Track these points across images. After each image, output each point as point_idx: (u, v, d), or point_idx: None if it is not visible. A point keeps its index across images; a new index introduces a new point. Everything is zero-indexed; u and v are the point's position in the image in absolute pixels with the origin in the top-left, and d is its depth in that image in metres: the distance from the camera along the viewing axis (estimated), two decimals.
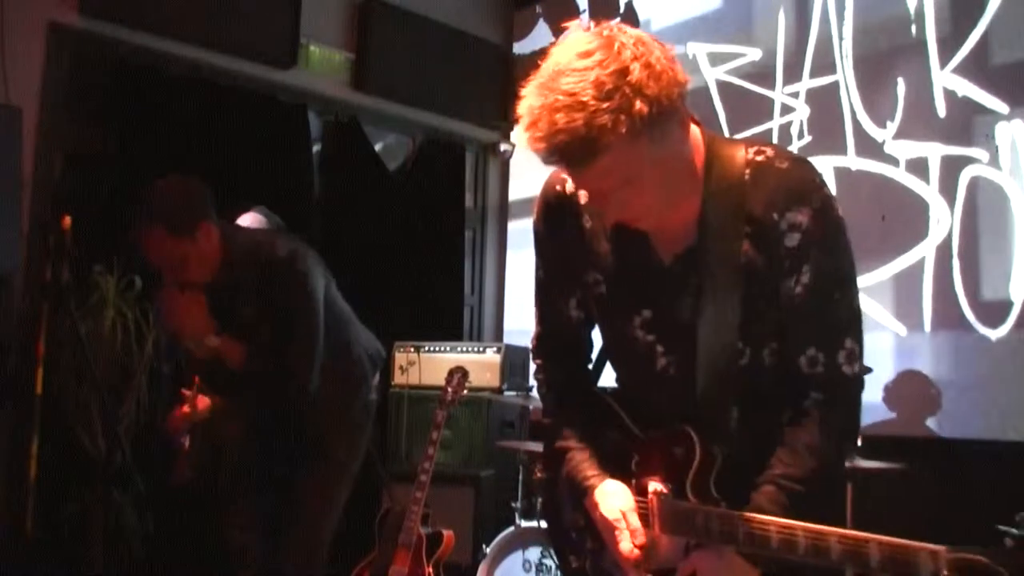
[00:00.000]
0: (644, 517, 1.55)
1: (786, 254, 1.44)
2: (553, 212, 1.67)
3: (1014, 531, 1.17)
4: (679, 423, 1.53)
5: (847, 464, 1.79)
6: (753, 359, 1.53)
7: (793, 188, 1.44)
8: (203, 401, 3.61)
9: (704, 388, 1.50)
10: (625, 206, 1.43)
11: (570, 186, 1.63)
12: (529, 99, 1.34)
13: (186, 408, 3.61)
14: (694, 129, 1.50)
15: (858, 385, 1.50)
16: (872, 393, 3.32)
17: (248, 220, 3.88)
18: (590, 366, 1.81)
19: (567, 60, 1.33)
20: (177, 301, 2.74)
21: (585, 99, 1.27)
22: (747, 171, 1.47)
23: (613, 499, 1.57)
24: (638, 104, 1.28)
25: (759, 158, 1.48)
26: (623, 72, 1.30)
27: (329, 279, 2.98)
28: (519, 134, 1.39)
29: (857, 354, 1.47)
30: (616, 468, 1.63)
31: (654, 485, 1.56)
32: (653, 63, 1.33)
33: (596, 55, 1.32)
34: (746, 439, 1.52)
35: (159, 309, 2.94)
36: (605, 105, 1.27)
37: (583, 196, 1.60)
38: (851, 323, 1.48)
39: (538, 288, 1.75)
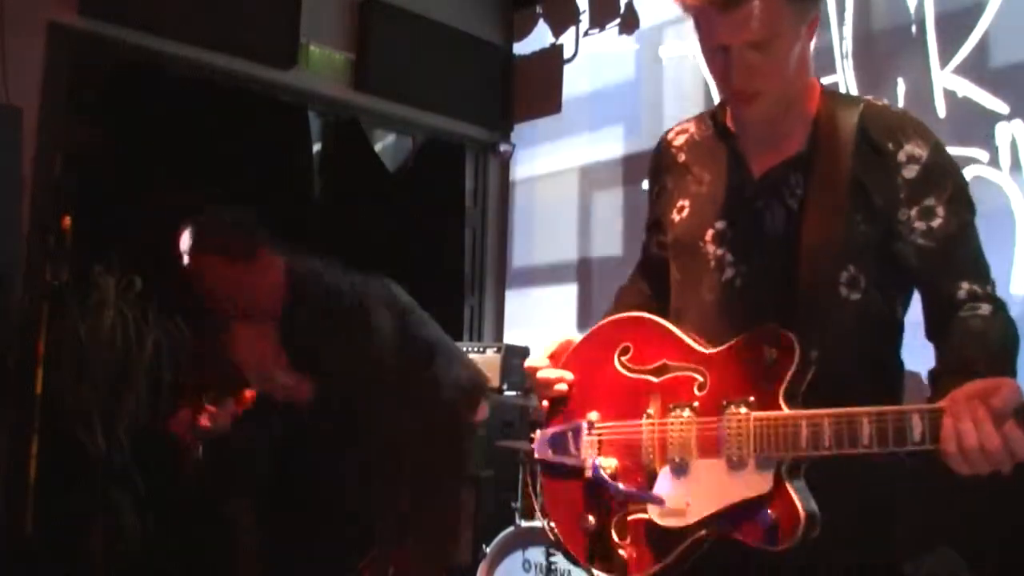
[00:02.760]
0: (711, 440, 1.41)
1: (903, 184, 1.46)
2: (657, 160, 1.78)
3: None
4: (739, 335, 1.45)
5: None
6: (826, 280, 1.48)
7: (913, 124, 1.50)
8: (224, 416, 3.61)
9: (803, 295, 1.46)
10: (750, 72, 1.45)
11: (671, 135, 1.76)
12: None
13: (207, 423, 3.62)
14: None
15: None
16: None
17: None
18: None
19: None
20: (245, 334, 2.63)
21: None
22: (862, 107, 1.52)
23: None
24: None
25: (877, 102, 1.55)
26: None
27: (407, 310, 2.82)
28: None
29: (996, 292, 1.50)
30: (674, 399, 1.50)
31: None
32: None
33: None
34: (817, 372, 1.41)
35: (225, 343, 2.71)
36: None
37: (679, 140, 1.73)
38: (986, 263, 1.52)
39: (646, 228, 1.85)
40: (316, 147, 4.98)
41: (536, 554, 3.57)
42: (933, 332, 1.50)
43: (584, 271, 5.06)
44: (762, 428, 1.37)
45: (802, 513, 1.32)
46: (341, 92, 4.95)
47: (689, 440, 1.45)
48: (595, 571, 1.54)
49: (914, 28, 3.83)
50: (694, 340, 1.52)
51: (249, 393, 3.56)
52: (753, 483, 1.36)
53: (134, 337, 3.94)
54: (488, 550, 3.64)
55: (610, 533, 1.52)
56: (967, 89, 3.64)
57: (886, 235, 1.48)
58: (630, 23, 4.98)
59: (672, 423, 1.48)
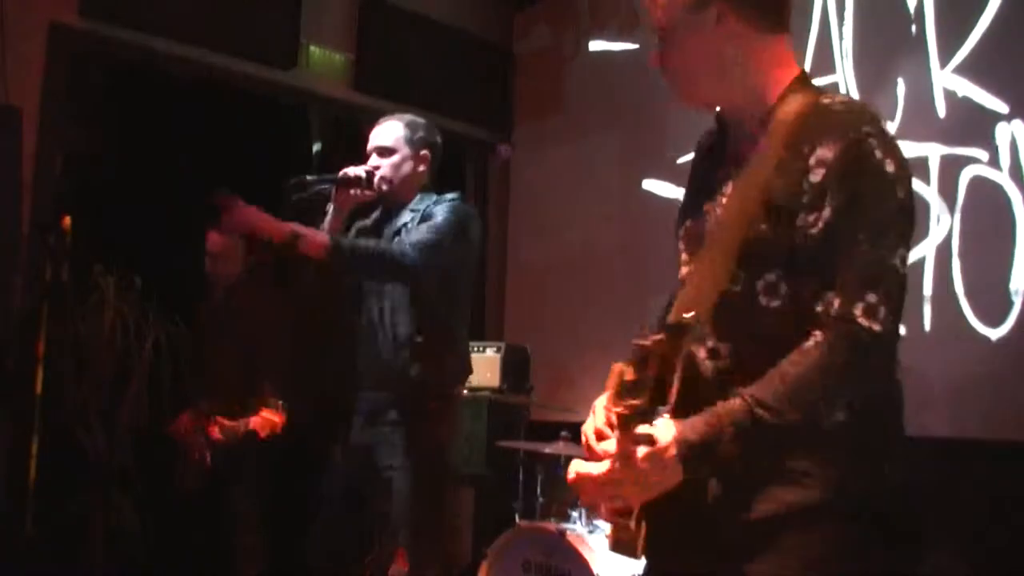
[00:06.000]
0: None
1: (808, 189, 1.41)
2: (692, 163, 1.78)
3: None
4: None
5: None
6: (746, 288, 1.46)
7: (832, 124, 1.43)
8: (238, 436, 3.62)
9: (683, 302, 1.50)
10: (659, 55, 1.59)
11: (703, 139, 1.76)
12: None
13: (219, 436, 3.63)
14: (787, 69, 1.59)
15: (877, 342, 1.36)
16: None
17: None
18: None
19: None
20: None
21: None
22: (808, 111, 1.48)
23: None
24: None
25: (824, 101, 1.50)
26: None
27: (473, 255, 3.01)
28: None
29: (883, 314, 1.36)
30: None
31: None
32: None
33: None
34: (739, 381, 1.42)
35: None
36: None
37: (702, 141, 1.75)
38: (879, 276, 1.37)
39: None
40: (316, 147, 4.98)
41: (536, 554, 3.56)
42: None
43: (584, 270, 5.06)
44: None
45: None
46: (341, 92, 4.95)
47: None
48: None
49: (914, 28, 3.83)
50: None
51: (274, 419, 3.58)
52: None
53: (134, 337, 3.94)
54: (488, 550, 3.63)
55: None
56: (967, 89, 3.64)
57: (791, 241, 1.43)
58: (630, 23, 4.98)
59: None
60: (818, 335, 1.37)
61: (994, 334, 3.48)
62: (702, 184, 1.65)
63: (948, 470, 3.46)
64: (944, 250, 3.64)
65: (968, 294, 3.55)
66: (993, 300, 3.47)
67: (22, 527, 3.32)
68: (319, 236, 2.68)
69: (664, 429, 1.35)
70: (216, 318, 3.88)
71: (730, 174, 1.55)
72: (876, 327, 1.35)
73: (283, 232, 2.64)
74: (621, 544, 1.45)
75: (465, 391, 3.70)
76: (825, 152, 1.40)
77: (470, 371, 3.09)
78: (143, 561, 3.88)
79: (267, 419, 3.63)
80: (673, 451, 1.33)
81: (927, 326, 3.63)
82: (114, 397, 3.92)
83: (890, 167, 1.40)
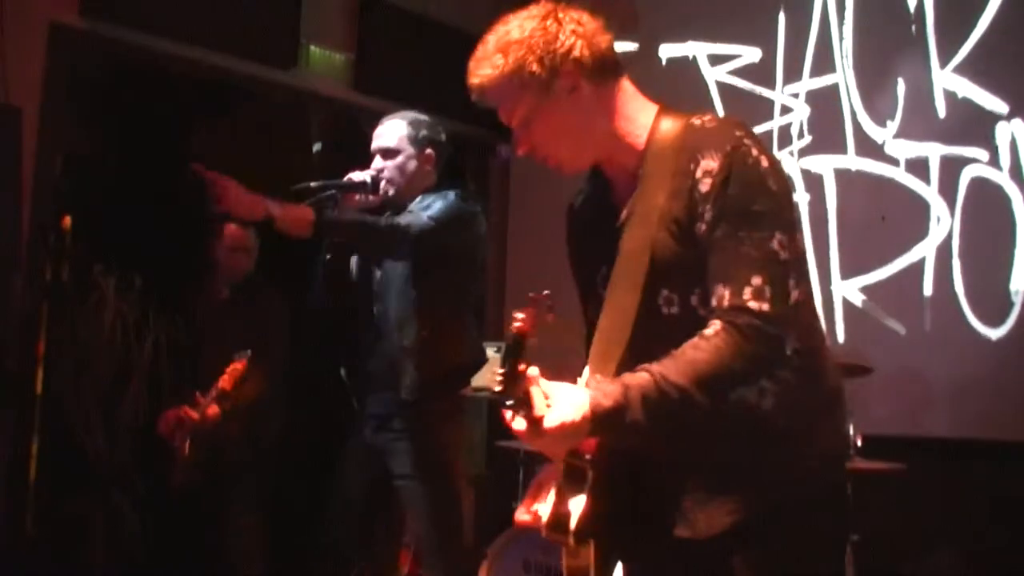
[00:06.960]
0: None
1: (700, 199, 1.50)
2: (568, 230, 1.83)
3: None
4: None
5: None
6: (683, 308, 1.53)
7: (710, 139, 1.52)
8: (213, 409, 3.58)
9: (602, 333, 1.58)
10: (533, 147, 1.63)
11: (577, 201, 1.81)
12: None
13: (194, 415, 3.60)
14: (643, 106, 1.68)
15: (768, 321, 1.42)
16: (872, 393, 3.32)
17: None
18: None
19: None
20: None
21: (499, 52, 1.71)
22: (683, 133, 1.57)
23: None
24: (530, 62, 1.63)
25: (696, 122, 1.57)
26: (535, 40, 1.67)
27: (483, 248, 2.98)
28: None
29: (769, 294, 1.43)
30: None
31: None
32: (567, 39, 1.62)
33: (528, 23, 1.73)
34: None
35: None
36: (504, 58, 1.68)
37: (576, 204, 1.80)
38: (763, 263, 1.45)
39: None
40: (316, 147, 4.97)
41: (536, 554, 3.57)
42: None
43: None
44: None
45: None
46: (341, 92, 4.95)
47: None
48: None
49: (914, 28, 3.83)
50: None
51: (237, 367, 3.53)
52: None
53: (134, 337, 3.94)
54: (488, 550, 3.63)
55: None
56: (967, 89, 3.65)
57: (698, 252, 1.51)
58: (630, 23, 4.98)
59: None
60: (716, 323, 1.44)
61: (994, 334, 3.48)
62: (596, 236, 1.69)
63: (948, 470, 3.46)
64: (944, 250, 3.64)
65: (968, 294, 3.55)
66: (993, 300, 3.48)
67: (22, 527, 3.32)
68: (300, 212, 2.56)
69: (578, 393, 1.43)
70: (220, 316, 3.87)
71: (628, 216, 1.59)
72: (764, 306, 1.43)
73: (257, 214, 2.54)
74: (574, 571, 1.51)
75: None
76: (709, 162, 1.50)
77: (481, 363, 3.07)
78: (143, 561, 3.88)
79: (230, 372, 3.50)
80: (588, 414, 1.39)
81: (927, 326, 3.63)
82: (114, 397, 3.93)
83: (764, 163, 1.51)
